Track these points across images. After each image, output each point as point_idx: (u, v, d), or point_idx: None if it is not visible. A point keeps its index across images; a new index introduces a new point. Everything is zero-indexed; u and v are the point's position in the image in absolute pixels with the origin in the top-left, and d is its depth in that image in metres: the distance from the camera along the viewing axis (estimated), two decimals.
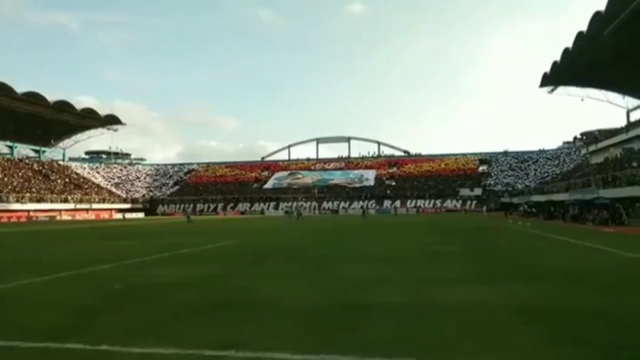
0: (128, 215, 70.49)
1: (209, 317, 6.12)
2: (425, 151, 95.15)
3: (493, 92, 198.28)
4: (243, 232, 26.76)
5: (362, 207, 63.59)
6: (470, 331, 5.27)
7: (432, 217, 50.76)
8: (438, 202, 74.08)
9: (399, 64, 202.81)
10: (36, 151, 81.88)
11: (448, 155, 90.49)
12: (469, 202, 72.54)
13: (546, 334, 5.16)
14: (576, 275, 9.42)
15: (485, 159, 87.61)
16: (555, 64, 49.65)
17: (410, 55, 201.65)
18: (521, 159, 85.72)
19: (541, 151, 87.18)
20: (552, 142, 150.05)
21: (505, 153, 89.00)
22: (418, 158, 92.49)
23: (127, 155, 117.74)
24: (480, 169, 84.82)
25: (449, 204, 73.51)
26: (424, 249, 15.27)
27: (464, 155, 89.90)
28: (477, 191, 74.89)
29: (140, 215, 74.05)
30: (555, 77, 53.58)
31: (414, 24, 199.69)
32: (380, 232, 26.31)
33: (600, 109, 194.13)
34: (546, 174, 76.27)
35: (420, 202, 73.79)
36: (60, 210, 63.54)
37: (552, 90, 58.90)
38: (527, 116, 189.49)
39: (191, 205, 78.17)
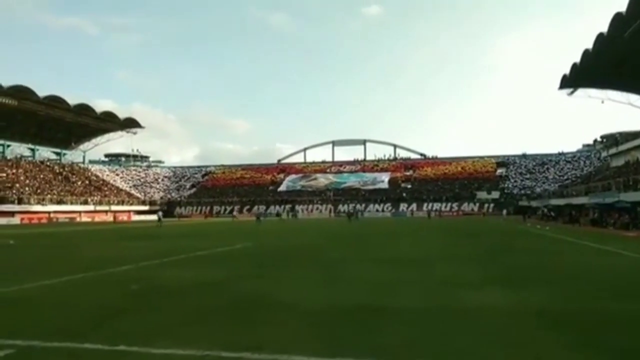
0: (148, 217, 71.14)
1: (226, 319, 6.15)
2: (442, 154, 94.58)
3: (511, 94, 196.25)
4: (259, 235, 26.85)
5: (352, 210, 60.37)
6: (487, 335, 5.21)
7: (449, 221, 50.35)
8: (455, 206, 73.43)
9: (416, 66, 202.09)
10: (57, 154, 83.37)
11: (465, 158, 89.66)
12: (486, 206, 71.77)
13: (566, 338, 5.08)
14: (596, 280, 9.26)
15: (503, 161, 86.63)
16: (574, 65, 48.89)
17: (427, 57, 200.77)
18: (540, 162, 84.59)
19: (560, 154, 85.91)
20: (571, 144, 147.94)
21: (524, 156, 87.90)
22: (435, 161, 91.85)
23: (146, 157, 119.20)
24: (498, 171, 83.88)
25: (466, 207, 72.83)
26: (441, 252, 15.16)
27: (481, 158, 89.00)
28: (495, 194, 74.08)
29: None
30: (575, 79, 52.72)
31: (431, 25, 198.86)
32: (395, 236, 26.18)
33: (621, 111, 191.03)
34: (565, 177, 75.12)
35: (436, 205, 73.20)
36: (80, 212, 64.58)
37: (572, 92, 57.97)
38: (546, 118, 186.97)
39: (208, 207, 78.81)
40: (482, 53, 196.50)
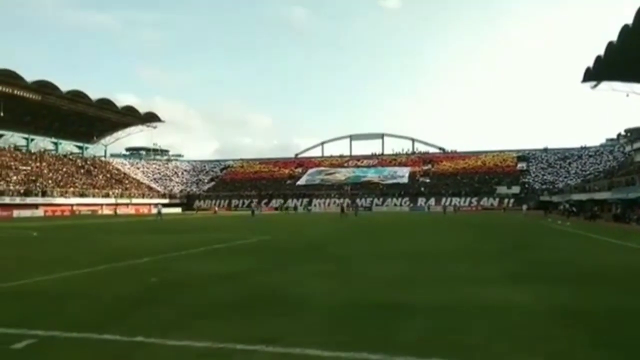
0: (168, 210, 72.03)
1: (241, 312, 6.22)
2: (461, 148, 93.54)
3: (533, 87, 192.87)
4: (275, 229, 27.00)
5: (344, 203, 57.64)
6: (503, 332, 5.17)
7: (467, 216, 49.90)
8: (474, 201, 72.67)
9: (435, 58, 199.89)
10: (79, 147, 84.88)
11: (485, 152, 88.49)
12: (506, 201, 70.85)
13: (584, 336, 5.02)
14: (618, 277, 9.09)
15: (524, 156, 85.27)
16: (598, 58, 47.83)
17: (446, 50, 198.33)
18: (562, 156, 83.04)
19: (583, 148, 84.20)
20: (594, 138, 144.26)
21: (545, 150, 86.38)
22: (454, 155, 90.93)
23: (166, 151, 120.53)
24: (519, 166, 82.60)
25: (486, 202, 71.99)
26: (459, 248, 15.05)
27: (501, 152, 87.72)
28: (515, 189, 73.05)
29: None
30: (599, 72, 51.59)
31: (450, 19, 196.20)
32: (411, 231, 26.06)
33: None
34: (588, 172, 73.63)
35: (455, 200, 72.52)
36: (101, 205, 65.73)
37: (596, 86, 56.79)
38: (568, 112, 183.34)
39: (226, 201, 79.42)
40: (503, 45, 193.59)
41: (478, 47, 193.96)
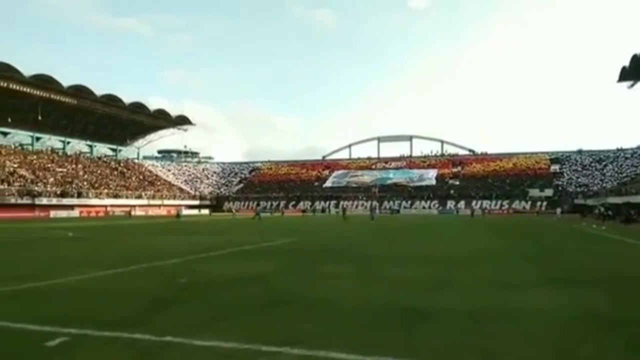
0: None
1: (267, 314, 6.26)
2: (491, 150, 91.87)
3: (566, 88, 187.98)
4: (302, 231, 27.08)
5: (343, 207, 54.76)
6: (534, 339, 5.05)
7: (498, 219, 48.95)
8: (505, 203, 71.29)
9: (464, 59, 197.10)
10: (113, 150, 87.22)
11: (516, 154, 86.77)
12: (539, 204, 69.22)
13: (618, 343, 4.86)
14: None
15: (558, 157, 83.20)
16: (635, 57, 46.35)
17: (475, 49, 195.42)
18: (597, 158, 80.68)
19: (619, 150, 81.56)
20: (631, 140, 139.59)
21: (580, 152, 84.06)
22: (484, 157, 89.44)
23: (196, 153, 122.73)
24: (552, 168, 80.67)
25: (517, 205, 70.53)
26: (488, 251, 14.77)
27: (534, 154, 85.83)
28: (548, 192, 71.35)
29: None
30: (635, 71, 49.97)
31: (480, 18, 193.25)
32: (439, 233, 25.74)
33: None
34: (624, 174, 71.30)
35: (486, 203, 71.29)
36: (134, 206, 67.33)
37: (632, 85, 55.03)
38: (603, 113, 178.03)
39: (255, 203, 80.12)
40: (535, 44, 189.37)
41: (509, 46, 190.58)
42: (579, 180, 75.68)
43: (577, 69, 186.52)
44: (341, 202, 69.07)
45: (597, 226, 31.13)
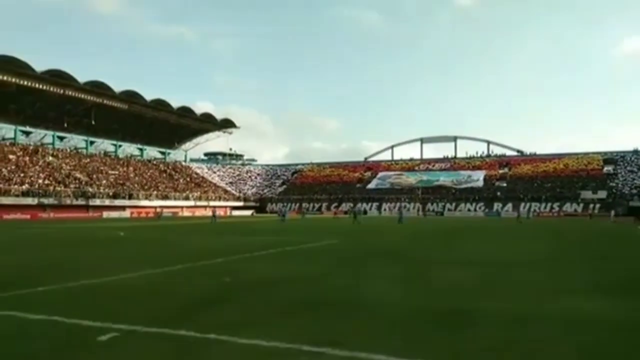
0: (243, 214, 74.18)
1: (309, 314, 6.31)
2: (541, 150, 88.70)
3: (619, 87, 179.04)
4: (345, 233, 27.04)
5: (353, 209, 49.94)
6: (584, 347, 4.85)
7: (549, 222, 47.20)
8: (556, 206, 68.67)
9: (510, 58, 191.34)
10: (162, 153, 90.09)
11: (567, 155, 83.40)
12: (591, 206, 66.30)
13: None
14: None
15: (611, 158, 79.33)
16: None
17: (523, 48, 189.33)
18: None
19: None
20: None
21: (635, 152, 79.87)
22: (533, 157, 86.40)
23: (240, 156, 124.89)
24: (605, 169, 77.02)
25: (569, 207, 67.78)
26: (537, 255, 14.28)
27: (586, 154, 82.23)
28: (602, 194, 68.14)
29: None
30: None
31: (527, 17, 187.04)
32: (485, 236, 25.10)
33: None
34: None
35: (535, 205, 68.86)
36: (182, 207, 69.30)
37: None
38: None
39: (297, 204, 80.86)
40: (586, 42, 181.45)
41: (558, 44, 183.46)
42: (635, 181, 71.89)
43: (630, 64, 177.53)
44: (357, 204, 67.66)
45: None
